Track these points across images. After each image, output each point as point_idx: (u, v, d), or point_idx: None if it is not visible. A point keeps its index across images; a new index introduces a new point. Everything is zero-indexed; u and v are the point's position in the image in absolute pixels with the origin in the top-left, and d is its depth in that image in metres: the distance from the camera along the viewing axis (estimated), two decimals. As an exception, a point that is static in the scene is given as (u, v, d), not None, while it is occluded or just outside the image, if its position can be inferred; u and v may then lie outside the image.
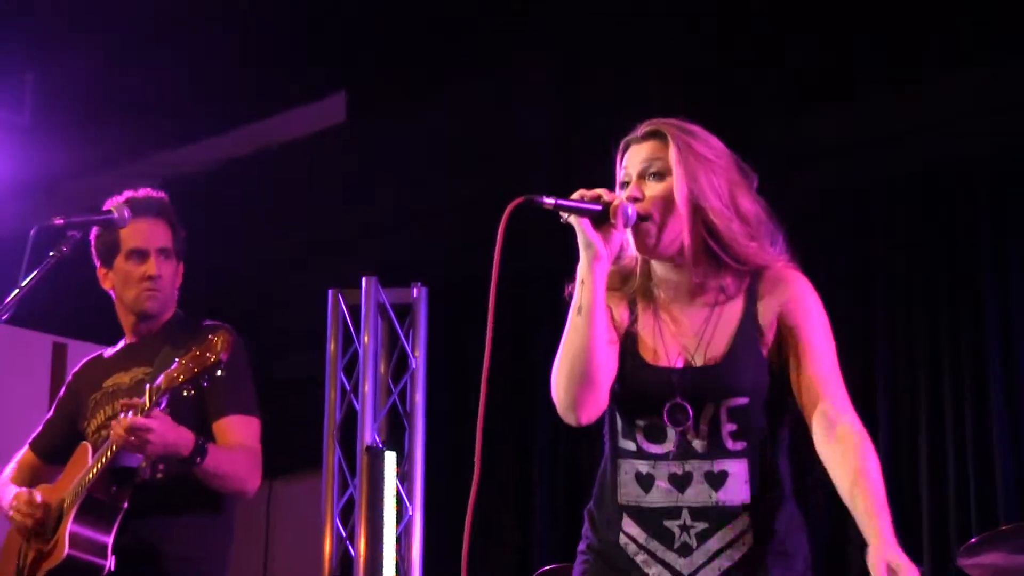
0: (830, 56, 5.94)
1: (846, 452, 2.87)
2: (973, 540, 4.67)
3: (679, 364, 2.96)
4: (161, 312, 4.20)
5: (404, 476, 6.36)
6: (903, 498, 5.99)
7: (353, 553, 6.28)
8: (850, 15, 5.90)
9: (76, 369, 4.38)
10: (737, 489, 2.93)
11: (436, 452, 6.61)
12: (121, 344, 4.28)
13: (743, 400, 2.93)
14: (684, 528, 2.94)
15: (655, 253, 2.99)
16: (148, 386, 3.79)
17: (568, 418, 3.03)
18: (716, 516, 2.93)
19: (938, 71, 5.92)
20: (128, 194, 4.18)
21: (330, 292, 6.57)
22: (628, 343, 3.01)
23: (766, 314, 2.97)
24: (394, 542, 6.26)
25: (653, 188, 2.98)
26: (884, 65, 5.93)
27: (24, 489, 4.18)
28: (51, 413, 4.36)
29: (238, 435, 4.03)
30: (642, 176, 2.99)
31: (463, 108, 7.00)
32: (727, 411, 2.93)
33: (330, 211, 7.50)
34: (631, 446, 3.00)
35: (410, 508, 6.33)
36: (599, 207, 2.89)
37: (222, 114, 7.28)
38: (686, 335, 2.99)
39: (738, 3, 5.99)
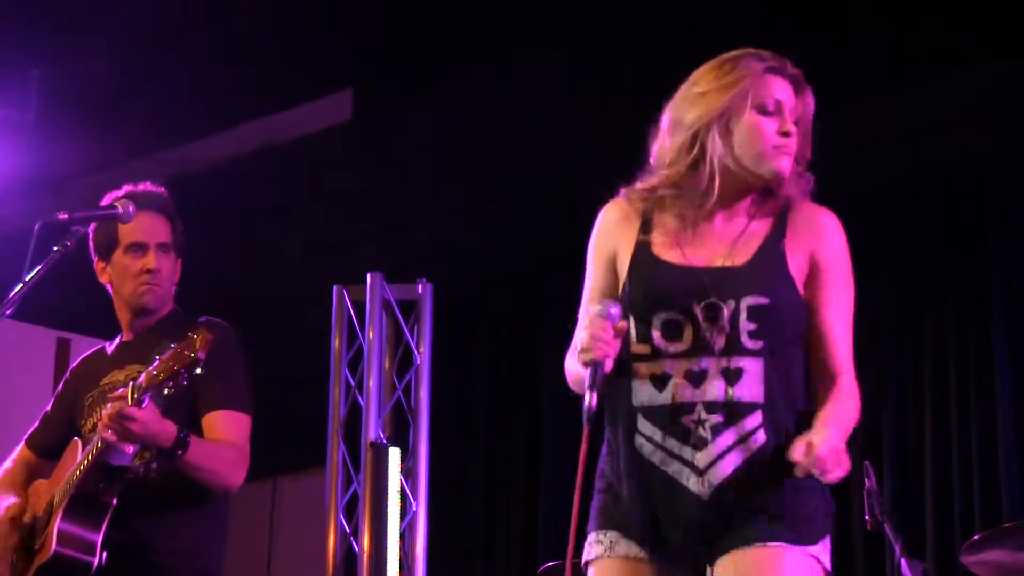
0: (833, 58, 5.93)
1: (830, 392, 3.02)
2: (976, 537, 4.68)
3: (702, 264, 3.03)
4: (158, 307, 4.18)
5: (408, 472, 6.36)
6: (907, 495, 6.00)
7: (357, 549, 6.29)
8: (850, 17, 5.90)
9: (74, 365, 4.37)
10: (751, 386, 2.98)
11: (440, 448, 6.61)
12: (118, 340, 4.28)
13: (763, 299, 2.99)
14: (699, 422, 2.98)
15: (778, 182, 3.08)
16: (131, 383, 3.79)
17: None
18: (730, 410, 2.97)
19: (941, 72, 5.93)
20: (128, 188, 4.17)
21: (335, 288, 6.57)
22: (641, 250, 3.08)
23: (798, 249, 3.05)
24: (398, 538, 6.26)
25: (793, 131, 3.08)
26: (884, 66, 5.93)
27: (2, 509, 4.17)
28: (48, 408, 4.34)
29: (225, 431, 4.00)
30: (791, 116, 3.07)
31: (469, 106, 7.00)
32: (747, 309, 2.98)
33: (335, 208, 7.51)
34: (645, 349, 3.03)
35: (414, 504, 6.34)
36: (612, 356, 2.98)
37: (227, 111, 7.28)
38: (712, 242, 3.07)
39: (739, 4, 6.00)
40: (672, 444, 2.99)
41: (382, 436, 6.39)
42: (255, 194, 7.66)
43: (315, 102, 7.31)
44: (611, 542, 3.07)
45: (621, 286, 3.09)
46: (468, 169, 7.12)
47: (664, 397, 3.01)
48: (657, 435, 3.01)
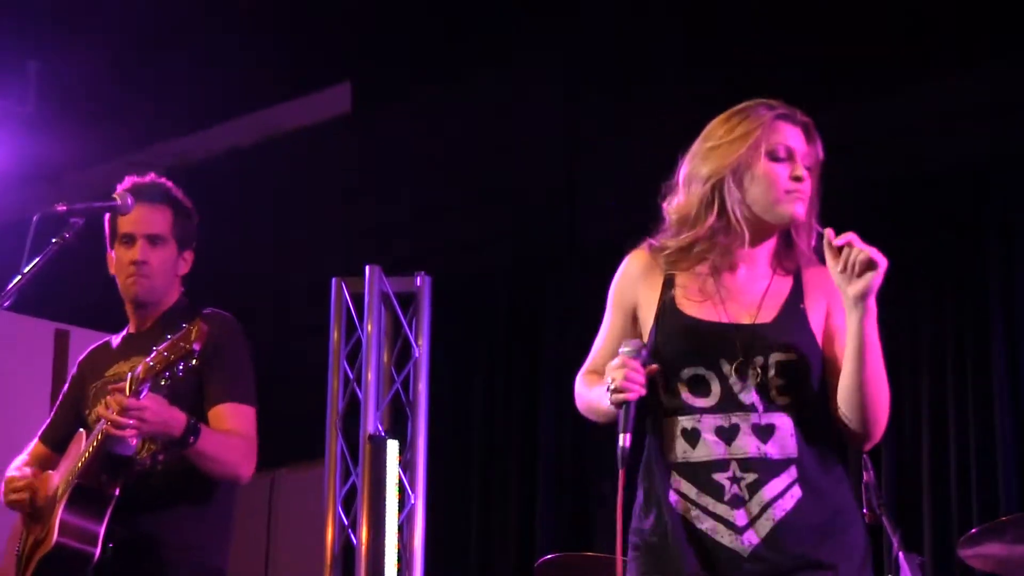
0: (832, 57, 5.94)
1: None
2: (974, 530, 4.69)
3: (730, 320, 3.07)
4: (150, 299, 4.17)
5: (407, 465, 6.36)
6: (905, 488, 6.00)
7: (355, 541, 6.29)
8: (850, 15, 5.90)
9: (82, 357, 4.38)
10: (783, 442, 3.00)
11: (439, 441, 6.61)
12: (124, 332, 4.28)
13: (791, 356, 3.02)
14: (734, 480, 3.00)
15: (795, 225, 3.13)
16: (129, 375, 3.79)
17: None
18: (764, 467, 3.00)
19: (941, 72, 5.93)
20: (132, 180, 4.18)
21: (333, 280, 6.57)
22: (667, 305, 3.11)
23: (815, 308, 3.09)
24: (396, 531, 6.26)
25: (805, 177, 3.12)
26: (884, 66, 5.93)
27: (14, 471, 4.18)
28: (59, 402, 4.36)
29: (232, 423, 4.01)
30: (804, 162, 3.11)
31: (469, 99, 7.01)
32: (776, 365, 3.02)
33: (334, 201, 7.51)
34: (676, 402, 3.07)
35: (412, 497, 6.34)
36: (642, 394, 3.02)
37: (226, 103, 7.29)
38: (737, 298, 3.10)
39: (740, 3, 6.00)
40: (707, 501, 3.03)
41: (380, 429, 6.39)
42: (253, 186, 7.66)
43: (314, 95, 7.31)
44: None
45: (646, 339, 3.12)
46: (466, 161, 7.12)
47: (698, 454, 3.04)
48: (692, 492, 3.05)
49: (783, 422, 3.00)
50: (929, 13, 5.77)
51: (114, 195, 4.10)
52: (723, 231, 3.10)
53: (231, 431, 4.00)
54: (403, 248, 7.23)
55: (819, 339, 3.06)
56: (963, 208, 6.10)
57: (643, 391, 3.01)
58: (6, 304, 3.86)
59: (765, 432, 3.00)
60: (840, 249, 2.93)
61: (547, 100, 6.87)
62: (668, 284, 3.13)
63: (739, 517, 2.99)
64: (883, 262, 2.92)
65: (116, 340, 4.29)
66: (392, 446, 6.33)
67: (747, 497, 2.99)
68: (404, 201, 7.37)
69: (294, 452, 7.87)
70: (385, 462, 6.30)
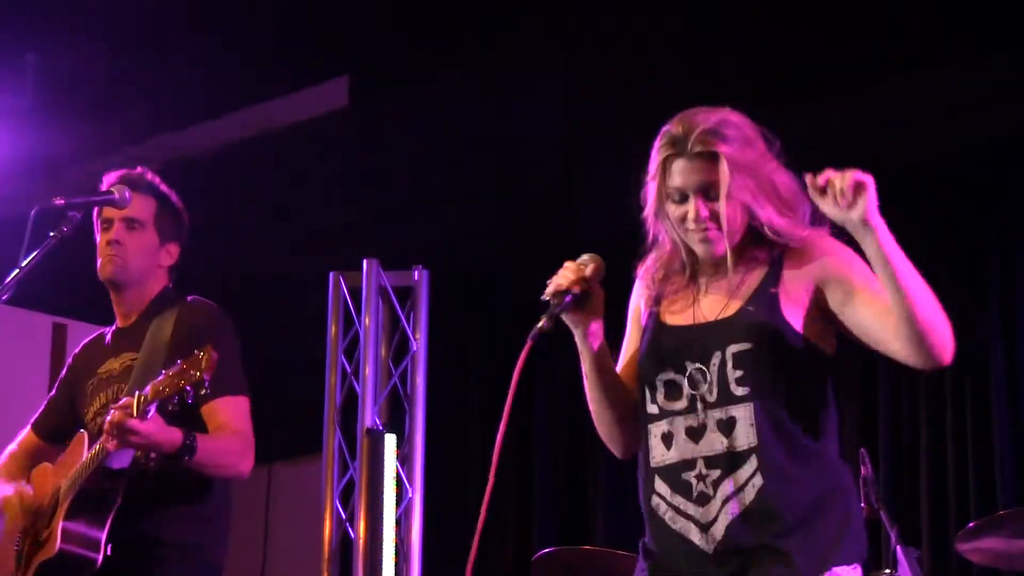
0: (832, 48, 5.93)
1: None
2: (972, 525, 4.69)
3: (696, 321, 3.10)
4: (122, 279, 4.15)
5: (404, 458, 6.36)
6: (903, 482, 6.00)
7: (353, 535, 6.29)
8: (849, 7, 5.90)
9: (76, 351, 4.38)
10: (744, 433, 3.00)
11: (436, 435, 6.61)
12: (113, 327, 4.28)
13: (746, 345, 3.02)
14: (700, 478, 3.02)
15: (725, 257, 3.11)
16: (137, 393, 3.78)
17: (615, 452, 3.28)
18: (727, 462, 3.00)
19: (940, 62, 5.92)
20: (120, 172, 4.17)
21: (331, 274, 6.56)
22: (652, 318, 3.17)
23: (795, 288, 3.06)
24: (394, 524, 6.26)
25: (715, 206, 3.07)
26: (883, 57, 5.93)
27: (11, 492, 4.17)
28: (53, 393, 4.36)
29: (227, 417, 4.00)
30: (703, 195, 3.08)
31: (466, 93, 7.00)
32: (732, 356, 3.02)
33: (332, 195, 7.50)
34: (655, 409, 3.10)
35: (410, 490, 6.34)
36: (579, 292, 3.08)
37: (224, 97, 7.28)
38: (714, 298, 3.12)
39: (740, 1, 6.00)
40: (679, 501, 3.05)
41: (378, 423, 6.38)
42: (251, 180, 7.65)
43: (312, 88, 7.30)
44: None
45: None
46: (464, 155, 7.11)
47: (671, 455, 3.07)
48: (667, 493, 3.07)
49: (743, 412, 3.00)
50: (929, 8, 5.77)
51: (111, 188, 4.10)
52: (679, 252, 3.15)
53: (225, 428, 3.99)
54: (401, 242, 7.22)
55: (798, 319, 3.03)
56: (962, 202, 6.09)
57: (575, 287, 3.06)
58: (4, 297, 3.87)
59: (727, 426, 3.01)
60: (826, 190, 2.91)
61: (546, 94, 6.86)
62: (657, 297, 3.19)
63: (705, 515, 3.01)
64: (869, 179, 2.91)
65: (107, 335, 4.28)
66: (390, 440, 6.33)
67: (712, 493, 3.00)
68: (402, 195, 7.36)
69: (292, 446, 7.87)
70: (383, 456, 6.30)
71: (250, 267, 7.66)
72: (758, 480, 2.97)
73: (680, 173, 3.08)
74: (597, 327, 3.13)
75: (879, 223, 2.94)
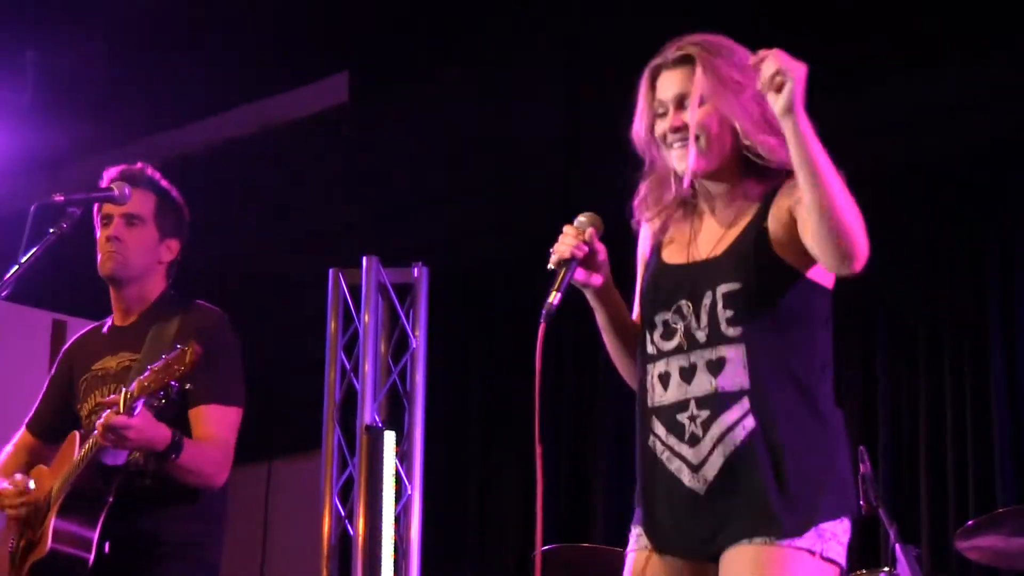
0: (831, 47, 5.93)
1: None
2: (971, 523, 4.69)
3: (689, 260, 3.07)
4: (122, 275, 4.14)
5: (403, 455, 6.37)
6: (902, 480, 6.00)
7: (352, 532, 6.29)
8: (849, 7, 5.90)
9: (67, 346, 4.35)
10: (735, 374, 2.96)
11: (435, 432, 6.61)
12: (110, 323, 4.26)
13: (736, 285, 2.98)
14: (692, 419, 2.99)
15: (702, 174, 3.08)
16: (124, 390, 3.78)
17: None
18: (717, 403, 2.97)
19: (940, 62, 5.92)
20: (120, 167, 4.17)
21: (331, 271, 6.56)
22: (654, 255, 3.15)
23: (781, 215, 3.00)
24: (393, 521, 6.26)
25: (690, 116, 3.06)
26: (883, 57, 5.93)
27: (7, 484, 4.16)
28: (44, 391, 4.33)
29: (212, 426, 3.99)
30: (678, 105, 3.07)
31: (466, 89, 7.00)
32: (723, 297, 2.99)
33: (331, 192, 7.50)
34: (652, 349, 3.08)
35: (409, 487, 6.34)
36: (581, 256, 3.05)
37: (223, 94, 7.28)
38: (708, 236, 3.09)
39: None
40: (673, 442, 3.02)
41: (377, 420, 6.39)
42: (251, 177, 7.65)
43: (311, 85, 7.30)
44: (637, 535, 3.10)
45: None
46: (464, 152, 7.11)
47: (667, 396, 3.04)
48: (663, 434, 3.04)
49: (734, 353, 2.96)
50: (929, 8, 5.77)
51: (111, 185, 4.09)
52: (666, 182, 3.12)
53: (210, 437, 3.98)
54: (400, 239, 7.22)
55: (789, 253, 2.98)
56: (962, 202, 6.09)
57: (579, 252, 3.03)
58: (4, 294, 3.86)
59: (716, 366, 2.98)
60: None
61: (546, 90, 6.86)
62: (661, 231, 3.16)
63: (696, 455, 2.97)
64: (795, 70, 2.79)
65: (102, 331, 4.27)
66: (389, 437, 6.33)
67: (701, 435, 2.97)
68: (401, 192, 7.37)
69: (291, 443, 7.88)
70: (382, 453, 6.30)
71: (250, 264, 7.67)
72: (749, 422, 2.94)
73: (663, 86, 3.10)
74: (605, 283, 3.10)
75: (801, 117, 2.81)
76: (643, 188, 3.17)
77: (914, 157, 6.15)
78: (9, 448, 4.34)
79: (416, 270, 6.51)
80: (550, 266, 3.07)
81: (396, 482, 6.32)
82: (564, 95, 6.83)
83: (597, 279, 3.08)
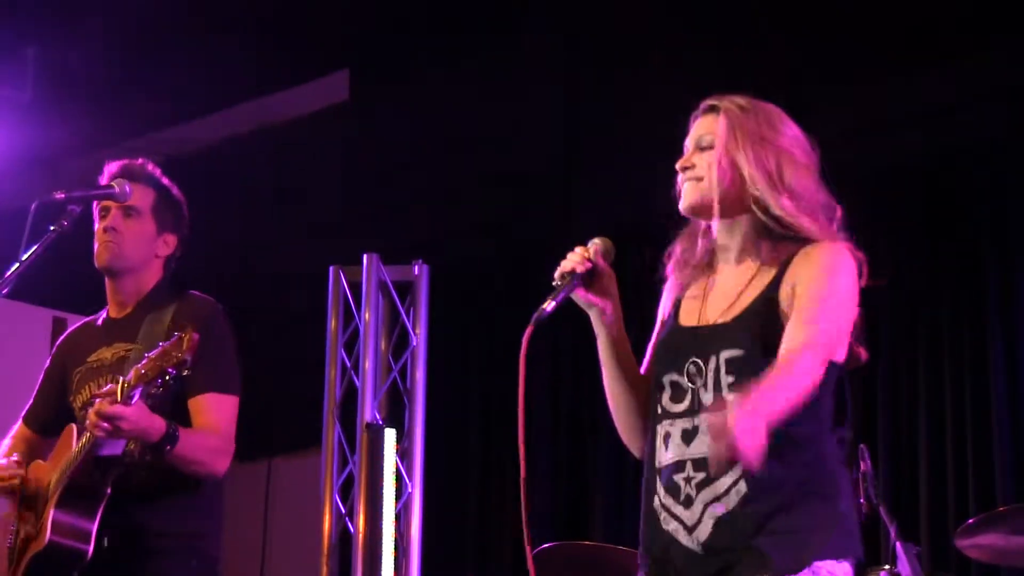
0: (831, 47, 5.93)
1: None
2: (971, 521, 4.70)
3: (700, 323, 3.09)
4: (118, 266, 4.15)
5: (404, 453, 6.37)
6: (902, 478, 6.00)
7: (352, 530, 6.30)
8: (849, 7, 5.90)
9: (61, 339, 4.36)
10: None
11: (436, 429, 6.61)
12: (104, 315, 4.26)
13: (739, 352, 2.99)
14: (687, 480, 3.00)
15: (699, 211, 3.12)
16: (120, 379, 3.78)
17: (632, 450, 3.24)
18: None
19: (940, 62, 5.92)
20: (120, 162, 4.18)
21: (331, 269, 6.57)
22: (672, 313, 3.18)
23: (787, 285, 3.02)
24: (393, 519, 6.27)
25: (703, 157, 3.12)
26: (882, 52, 5.93)
27: (2, 460, 4.17)
28: (39, 384, 4.33)
29: (212, 415, 4.00)
30: (697, 147, 3.14)
31: (466, 87, 7.00)
32: (725, 362, 3.00)
33: (332, 189, 7.50)
34: (660, 410, 3.09)
35: (409, 485, 6.34)
36: (582, 271, 3.09)
37: (224, 91, 7.28)
38: (720, 299, 3.10)
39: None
40: (670, 502, 3.03)
41: (378, 417, 6.39)
42: (252, 174, 7.65)
43: (312, 83, 7.30)
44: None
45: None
46: (464, 150, 7.11)
47: (667, 457, 3.05)
48: (662, 494, 3.05)
49: None
50: (929, 8, 5.77)
51: (112, 183, 4.10)
52: (695, 236, 3.18)
53: (207, 426, 3.99)
54: (401, 237, 7.23)
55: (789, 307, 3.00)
56: (961, 202, 6.09)
57: (580, 267, 3.07)
58: (4, 291, 3.86)
59: None
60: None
61: (547, 87, 6.86)
62: (683, 292, 3.19)
63: (690, 517, 2.99)
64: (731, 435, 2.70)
65: (97, 323, 4.27)
66: (389, 435, 6.33)
67: (694, 496, 2.99)
68: (402, 189, 7.36)
69: (291, 440, 7.88)
70: (382, 451, 6.30)
71: (250, 261, 7.67)
72: (742, 487, 2.94)
73: (691, 132, 3.17)
74: (611, 310, 3.13)
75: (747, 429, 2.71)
76: (677, 245, 3.21)
77: (914, 157, 6.14)
78: (7, 441, 4.34)
79: (417, 268, 6.51)
80: (555, 282, 3.10)
81: (396, 480, 6.32)
82: (565, 91, 6.83)
83: (599, 301, 3.11)
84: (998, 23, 5.73)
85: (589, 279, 3.09)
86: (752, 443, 2.67)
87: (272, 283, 7.71)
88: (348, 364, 6.48)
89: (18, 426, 4.35)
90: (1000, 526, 4.58)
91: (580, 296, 3.10)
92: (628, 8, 6.38)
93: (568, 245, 3.18)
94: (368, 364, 6.40)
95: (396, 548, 6.27)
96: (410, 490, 6.34)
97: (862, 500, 4.57)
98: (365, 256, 6.48)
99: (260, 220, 7.67)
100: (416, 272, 6.51)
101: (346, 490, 6.41)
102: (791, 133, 3.13)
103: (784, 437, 2.90)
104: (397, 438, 6.35)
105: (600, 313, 3.12)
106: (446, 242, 7.21)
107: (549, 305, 3.06)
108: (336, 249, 6.91)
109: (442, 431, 6.99)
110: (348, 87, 7.25)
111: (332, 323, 6.52)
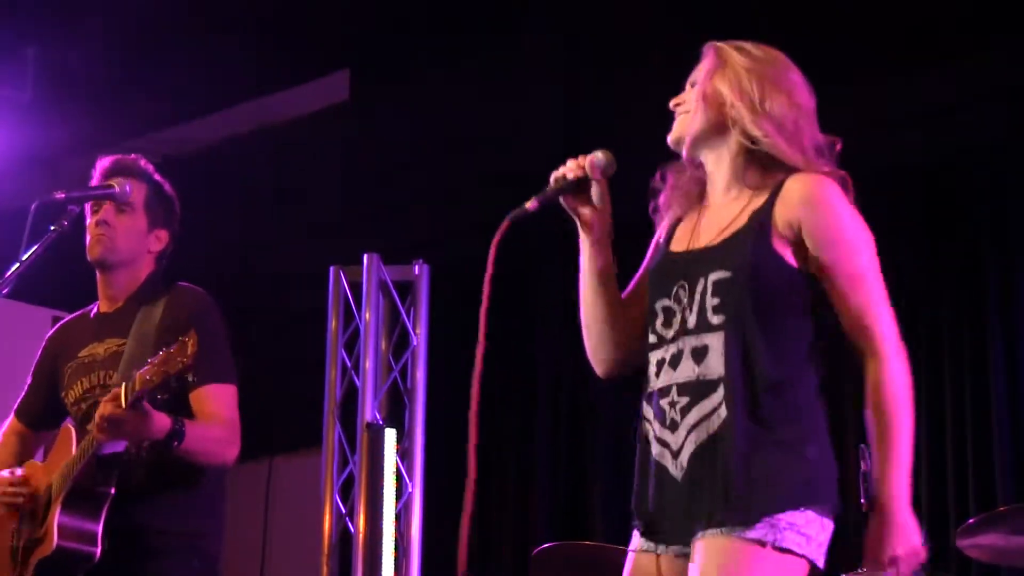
0: (830, 47, 5.93)
1: (869, 398, 3.07)
2: (971, 521, 4.70)
3: (689, 248, 3.11)
4: (109, 260, 4.15)
5: (404, 453, 6.37)
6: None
7: (352, 530, 6.30)
8: (849, 7, 5.90)
9: (51, 333, 4.37)
10: (714, 362, 2.98)
11: (436, 429, 6.61)
12: (95, 310, 4.26)
13: (725, 274, 3.00)
14: (672, 404, 3.01)
15: (684, 141, 3.15)
16: (124, 383, 3.78)
17: (595, 368, 3.25)
18: (696, 390, 2.99)
19: (940, 62, 5.92)
20: (112, 157, 4.18)
21: (331, 269, 6.57)
22: (664, 243, 3.19)
23: (783, 217, 3.03)
24: (393, 519, 6.27)
25: (692, 92, 3.19)
26: (883, 53, 5.92)
27: (5, 472, 4.17)
28: (30, 378, 4.34)
29: (214, 405, 4.00)
30: (690, 86, 3.21)
31: (466, 87, 7.00)
32: (712, 284, 3.01)
33: (332, 189, 7.50)
34: (654, 337, 3.10)
35: (410, 485, 6.34)
36: (572, 178, 3.11)
37: (224, 91, 7.28)
38: (710, 225, 3.11)
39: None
40: (656, 427, 3.04)
41: (378, 417, 6.39)
42: (252, 174, 7.65)
43: (312, 83, 7.30)
44: (635, 531, 3.12)
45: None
46: (464, 150, 7.11)
47: (658, 382, 3.06)
48: (651, 418, 3.06)
49: (716, 341, 2.97)
50: (929, 8, 5.77)
51: (111, 182, 4.11)
52: (684, 169, 3.21)
53: (212, 416, 3.99)
54: (401, 236, 7.23)
55: (787, 250, 3.01)
56: (961, 202, 6.09)
57: (570, 173, 3.10)
58: (4, 291, 3.87)
59: (700, 354, 2.99)
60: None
61: (547, 87, 6.86)
62: (673, 225, 3.21)
63: (675, 441, 2.99)
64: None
65: (88, 318, 4.27)
66: (390, 434, 6.34)
67: (679, 420, 2.99)
68: (402, 189, 7.36)
69: (291, 440, 7.88)
70: (382, 450, 6.30)
71: (250, 261, 7.67)
72: (723, 411, 2.94)
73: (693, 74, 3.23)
74: (598, 225, 3.13)
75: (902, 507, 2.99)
76: (669, 177, 3.22)
77: (914, 157, 6.14)
78: None
79: (417, 267, 6.52)
80: (547, 185, 3.14)
81: (397, 480, 6.32)
82: (565, 90, 6.82)
83: (585, 211, 3.13)
84: (998, 23, 5.73)
85: (578, 188, 3.10)
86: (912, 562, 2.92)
87: (272, 283, 7.71)
88: (348, 364, 6.48)
89: (10, 420, 4.36)
90: (1000, 526, 4.58)
91: (568, 202, 3.13)
92: (628, 8, 6.38)
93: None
94: (368, 364, 6.40)
95: (396, 548, 6.27)
96: (410, 490, 6.34)
97: (862, 500, 4.57)
98: (365, 256, 6.48)
99: (260, 220, 7.67)
100: (416, 272, 6.51)
101: (346, 490, 6.41)
102: (790, 75, 3.16)
103: (762, 363, 2.96)
104: (397, 438, 6.36)
105: (586, 226, 3.13)
106: (446, 242, 7.21)
107: (531, 203, 3.09)
108: (336, 249, 6.91)
109: (442, 431, 6.97)
110: (348, 87, 7.25)
111: (332, 323, 6.52)
